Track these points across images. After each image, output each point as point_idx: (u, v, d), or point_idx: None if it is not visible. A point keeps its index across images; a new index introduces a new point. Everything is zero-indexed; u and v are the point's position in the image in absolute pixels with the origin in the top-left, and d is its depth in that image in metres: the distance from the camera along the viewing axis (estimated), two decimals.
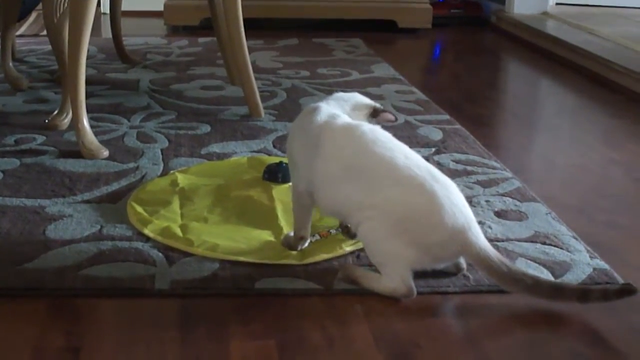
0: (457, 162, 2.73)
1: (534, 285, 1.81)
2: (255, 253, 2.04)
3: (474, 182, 2.55)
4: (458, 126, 3.14)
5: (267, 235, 2.13)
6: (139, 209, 2.26)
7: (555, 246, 2.14)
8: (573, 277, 1.97)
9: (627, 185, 2.72)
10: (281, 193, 2.33)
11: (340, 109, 2.08)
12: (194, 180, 2.48)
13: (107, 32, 4.58)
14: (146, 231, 2.15)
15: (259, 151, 2.80)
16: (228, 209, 2.28)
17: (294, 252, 2.03)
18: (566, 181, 2.75)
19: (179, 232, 2.13)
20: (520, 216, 2.32)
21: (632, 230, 2.35)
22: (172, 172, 2.56)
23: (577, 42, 4.45)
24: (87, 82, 2.79)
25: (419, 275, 1.92)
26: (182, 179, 2.48)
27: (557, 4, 5.59)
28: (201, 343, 1.69)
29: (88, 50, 2.74)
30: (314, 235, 2.12)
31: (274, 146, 2.85)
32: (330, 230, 2.14)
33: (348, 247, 2.06)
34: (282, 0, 5.23)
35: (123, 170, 2.58)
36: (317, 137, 1.96)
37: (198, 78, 3.82)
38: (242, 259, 2.01)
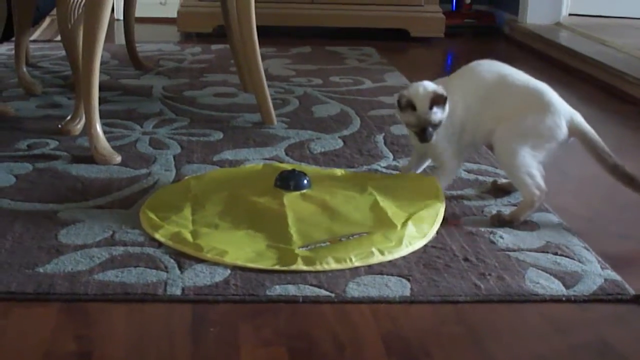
0: (469, 171, 2.73)
1: (631, 178, 2.33)
2: (264, 260, 2.04)
3: (485, 192, 2.55)
4: None
5: (276, 243, 2.13)
6: (151, 214, 2.26)
7: (566, 257, 2.14)
8: (584, 288, 1.97)
9: (639, 196, 2.71)
10: (292, 201, 2.33)
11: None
12: (207, 186, 2.48)
13: (120, 38, 4.59)
14: (157, 236, 2.16)
15: (271, 159, 2.80)
16: (239, 216, 2.28)
17: (302, 260, 2.04)
18: (578, 192, 2.74)
19: (189, 237, 2.13)
20: (531, 226, 2.32)
21: None
22: (185, 177, 2.57)
23: (590, 53, 4.44)
24: (101, 88, 2.80)
25: (430, 283, 1.92)
26: (194, 185, 2.48)
27: (570, 14, 5.58)
28: (212, 349, 1.70)
29: (102, 56, 2.75)
30: (324, 242, 2.12)
31: (287, 154, 2.86)
32: (341, 238, 2.14)
33: (357, 262, 2.06)
34: (295, 9, 5.24)
35: (135, 176, 2.59)
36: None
37: (211, 85, 3.83)
38: (250, 265, 2.02)
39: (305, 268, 2.01)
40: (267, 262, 2.03)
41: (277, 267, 2.01)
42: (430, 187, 2.41)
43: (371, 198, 2.35)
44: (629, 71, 4.01)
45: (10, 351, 1.68)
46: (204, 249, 2.07)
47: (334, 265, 2.03)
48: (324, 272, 2.00)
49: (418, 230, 2.18)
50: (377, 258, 2.07)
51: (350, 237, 2.14)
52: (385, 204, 2.31)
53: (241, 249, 2.09)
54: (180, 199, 2.39)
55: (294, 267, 2.01)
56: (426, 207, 2.29)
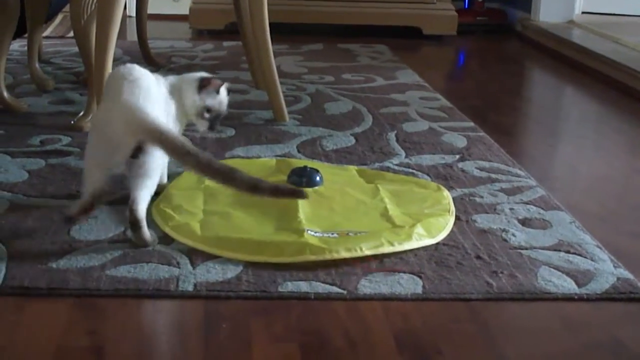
0: (481, 169, 2.73)
1: (207, 165, 1.96)
2: (273, 250, 2.05)
3: (498, 190, 2.55)
4: (482, 134, 3.14)
5: (286, 235, 2.13)
6: (163, 204, 2.28)
7: (579, 255, 2.14)
8: (597, 287, 1.97)
9: None
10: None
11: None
12: None
13: (132, 34, 4.60)
14: (167, 229, 2.17)
15: (282, 155, 2.80)
16: (249, 207, 2.29)
17: (310, 250, 2.04)
18: (590, 190, 2.74)
19: (197, 229, 2.15)
20: (544, 224, 2.32)
21: None
22: None
23: (603, 51, 4.43)
24: None
25: (442, 281, 1.92)
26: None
27: (583, 12, 5.56)
28: (224, 345, 1.70)
29: (114, 53, 2.75)
30: (332, 233, 2.12)
31: (299, 151, 2.86)
32: (349, 233, 2.14)
33: (368, 251, 2.06)
34: (307, 6, 5.24)
35: None
36: None
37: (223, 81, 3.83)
38: (258, 258, 2.03)
39: (313, 258, 2.02)
40: (275, 251, 2.04)
41: (284, 259, 2.01)
42: (440, 198, 2.41)
43: (382, 205, 2.34)
44: None
45: (23, 346, 1.68)
46: (210, 242, 2.09)
47: (344, 254, 2.03)
48: (336, 268, 2.00)
49: (427, 232, 2.18)
50: (387, 248, 2.07)
51: (358, 233, 2.14)
52: (394, 212, 2.30)
53: (249, 236, 2.10)
54: (193, 189, 2.41)
55: (302, 258, 2.02)
56: (435, 216, 2.28)
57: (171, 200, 2.32)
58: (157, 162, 2.10)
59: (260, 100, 3.46)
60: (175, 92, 2.32)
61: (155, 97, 2.16)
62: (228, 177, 1.96)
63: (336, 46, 4.87)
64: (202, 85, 2.32)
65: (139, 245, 2.07)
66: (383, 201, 2.36)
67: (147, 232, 2.08)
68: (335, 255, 2.02)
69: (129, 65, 2.21)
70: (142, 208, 2.07)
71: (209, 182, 2.45)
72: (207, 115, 2.33)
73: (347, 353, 1.69)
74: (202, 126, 2.36)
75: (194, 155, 1.96)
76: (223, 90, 2.37)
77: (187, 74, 2.39)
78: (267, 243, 2.07)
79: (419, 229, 2.16)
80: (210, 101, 2.33)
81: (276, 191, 1.98)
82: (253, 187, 1.96)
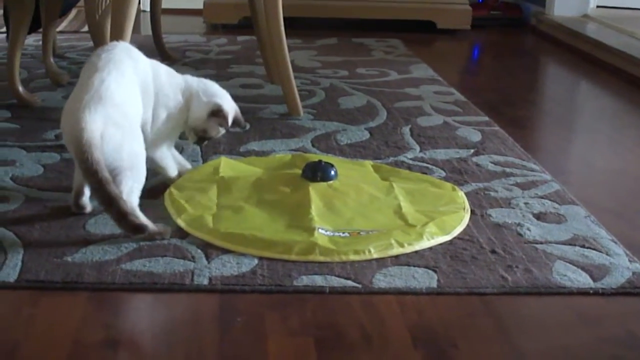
0: (496, 163, 2.72)
1: (107, 197, 1.97)
2: (282, 249, 2.05)
3: (512, 184, 2.54)
4: (497, 128, 3.13)
5: (297, 233, 2.13)
6: (176, 194, 2.29)
7: (594, 249, 2.13)
8: (612, 281, 1.96)
9: None
10: (318, 191, 2.33)
11: None
12: (235, 171, 2.52)
13: (146, 29, 4.60)
14: (179, 221, 2.18)
15: (297, 150, 2.81)
16: (263, 201, 2.29)
17: (320, 251, 2.04)
18: (605, 184, 2.73)
19: (209, 222, 2.16)
20: (559, 219, 2.31)
21: None
22: (219, 156, 2.65)
23: (618, 45, 4.41)
24: None
25: (457, 275, 1.92)
26: (224, 167, 2.52)
27: (598, 6, 5.54)
28: (239, 339, 1.70)
29: None
30: (344, 232, 2.12)
31: (313, 145, 2.86)
32: (361, 232, 2.14)
33: (376, 254, 2.05)
34: (321, 0, 5.24)
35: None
36: None
37: (237, 76, 3.84)
38: (268, 254, 2.03)
39: (322, 259, 2.02)
40: (284, 249, 2.04)
41: (293, 258, 2.02)
42: (455, 197, 2.41)
43: (395, 203, 2.33)
44: None
45: (39, 339, 1.69)
46: (222, 236, 2.09)
47: (352, 257, 2.03)
48: (351, 262, 2.01)
49: (440, 229, 2.18)
50: (396, 250, 2.07)
51: (370, 232, 2.14)
52: (408, 210, 2.30)
53: (261, 234, 2.10)
54: (208, 181, 2.42)
55: (310, 258, 2.02)
56: (449, 214, 2.28)
57: (185, 191, 2.33)
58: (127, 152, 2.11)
59: (275, 94, 3.46)
60: (188, 96, 2.40)
61: (119, 92, 2.14)
62: (112, 210, 1.99)
63: (350, 40, 4.86)
64: (213, 114, 2.40)
65: (152, 236, 2.08)
66: (397, 198, 2.35)
67: (143, 219, 2.08)
68: (344, 258, 2.02)
69: (115, 48, 2.24)
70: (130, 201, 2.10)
71: (223, 174, 2.46)
72: (201, 134, 2.44)
73: (362, 347, 1.69)
74: (191, 138, 2.46)
75: (99, 180, 1.97)
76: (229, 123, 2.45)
77: (208, 87, 2.47)
78: (277, 241, 2.07)
79: (431, 228, 2.16)
80: (211, 129, 2.43)
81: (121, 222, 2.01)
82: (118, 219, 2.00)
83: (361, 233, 2.14)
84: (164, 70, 2.41)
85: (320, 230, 2.12)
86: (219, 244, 2.07)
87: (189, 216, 2.19)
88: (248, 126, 2.48)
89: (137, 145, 2.16)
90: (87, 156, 1.97)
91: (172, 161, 2.45)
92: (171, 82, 2.39)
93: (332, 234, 2.12)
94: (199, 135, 2.44)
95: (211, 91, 2.45)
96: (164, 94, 2.35)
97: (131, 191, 2.11)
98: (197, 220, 2.16)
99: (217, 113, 2.40)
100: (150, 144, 2.32)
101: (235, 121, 2.49)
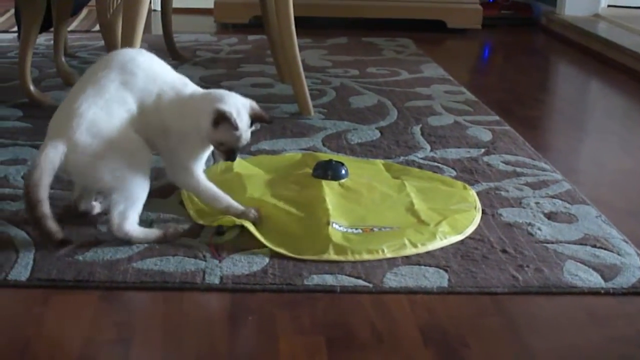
0: (507, 163, 2.72)
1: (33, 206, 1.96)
2: (295, 246, 2.05)
3: (523, 184, 2.54)
4: (507, 127, 3.13)
5: (311, 228, 2.14)
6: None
7: (605, 249, 2.13)
8: (623, 281, 1.96)
9: None
10: (330, 189, 2.33)
11: None
12: (248, 170, 2.54)
13: (157, 28, 4.62)
14: (192, 212, 2.23)
15: (308, 149, 2.81)
16: (277, 196, 2.30)
17: (334, 248, 2.04)
18: (616, 184, 2.72)
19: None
20: (570, 218, 2.31)
21: None
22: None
23: (629, 45, 4.40)
24: None
25: (468, 275, 1.92)
26: (237, 166, 2.52)
27: (609, 5, 5.52)
28: (250, 337, 1.71)
29: (140, 47, 2.76)
30: (357, 228, 2.13)
31: (324, 144, 2.86)
32: (374, 228, 2.14)
33: (390, 253, 2.05)
34: (332, 0, 5.24)
35: None
36: None
37: (248, 75, 3.84)
38: (281, 250, 2.04)
39: (336, 257, 2.02)
40: (297, 244, 2.05)
41: (307, 257, 2.02)
42: (467, 196, 2.41)
43: (407, 200, 2.33)
44: None
45: (50, 338, 1.69)
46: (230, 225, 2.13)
47: (365, 256, 2.03)
48: (362, 261, 2.01)
49: (452, 229, 2.18)
50: (409, 250, 2.07)
51: (382, 229, 2.14)
52: (420, 207, 2.30)
53: (275, 227, 2.13)
54: (224, 175, 2.45)
55: (325, 257, 2.02)
56: (461, 212, 2.28)
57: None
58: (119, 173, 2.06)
59: (286, 94, 3.46)
60: (192, 111, 2.14)
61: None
62: (38, 222, 1.97)
63: (360, 40, 4.86)
64: (216, 121, 2.08)
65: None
66: (409, 196, 2.35)
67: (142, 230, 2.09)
68: (357, 257, 2.02)
69: (111, 62, 2.14)
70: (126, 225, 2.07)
71: (238, 169, 2.47)
72: (221, 148, 2.14)
73: (373, 346, 1.69)
74: (218, 156, 2.22)
75: (35, 192, 1.97)
76: (242, 123, 2.12)
77: (208, 96, 2.17)
78: (291, 238, 2.08)
79: (443, 227, 2.16)
80: (225, 137, 2.11)
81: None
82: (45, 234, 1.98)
83: (374, 229, 2.14)
84: (169, 85, 2.17)
85: (334, 225, 2.12)
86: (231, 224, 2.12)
87: (200, 207, 2.23)
88: (272, 120, 2.26)
89: (121, 165, 2.05)
90: (35, 180, 1.98)
91: (216, 188, 2.19)
92: (179, 97, 2.16)
93: (345, 229, 2.12)
94: (220, 150, 2.14)
95: (209, 98, 2.14)
96: (169, 112, 2.13)
97: (123, 216, 2.05)
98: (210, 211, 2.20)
99: (219, 119, 2.07)
100: (179, 171, 2.18)
101: (255, 117, 2.15)
